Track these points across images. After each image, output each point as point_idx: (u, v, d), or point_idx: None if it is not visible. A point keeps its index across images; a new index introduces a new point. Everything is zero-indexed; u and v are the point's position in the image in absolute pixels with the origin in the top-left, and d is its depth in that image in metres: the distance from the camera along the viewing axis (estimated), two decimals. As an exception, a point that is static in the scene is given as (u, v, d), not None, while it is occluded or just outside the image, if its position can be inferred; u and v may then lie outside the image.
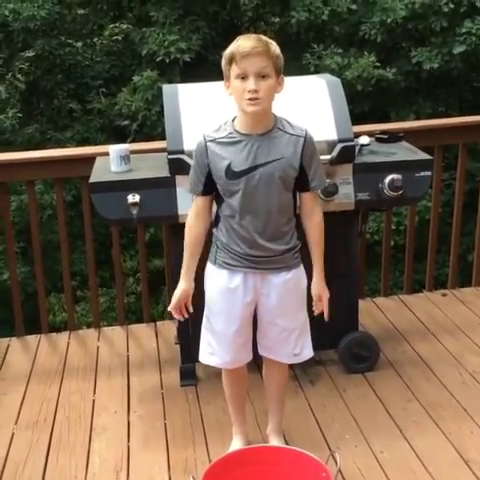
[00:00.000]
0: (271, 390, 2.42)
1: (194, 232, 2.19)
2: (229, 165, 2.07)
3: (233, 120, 2.11)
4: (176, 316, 2.24)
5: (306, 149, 2.11)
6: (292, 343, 2.25)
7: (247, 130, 2.07)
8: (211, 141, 2.10)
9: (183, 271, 2.22)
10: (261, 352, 2.32)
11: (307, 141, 2.11)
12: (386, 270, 3.75)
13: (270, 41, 2.04)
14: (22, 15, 7.41)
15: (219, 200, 2.17)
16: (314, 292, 2.25)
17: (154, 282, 5.83)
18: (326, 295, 2.25)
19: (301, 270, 2.23)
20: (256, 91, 1.98)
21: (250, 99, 1.99)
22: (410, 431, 2.58)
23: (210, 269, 2.23)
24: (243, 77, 1.99)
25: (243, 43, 1.99)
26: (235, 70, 2.00)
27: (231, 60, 2.01)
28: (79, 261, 6.73)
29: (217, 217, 2.20)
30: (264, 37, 2.04)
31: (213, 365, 2.32)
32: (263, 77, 1.99)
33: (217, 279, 2.20)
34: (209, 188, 2.14)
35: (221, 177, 2.09)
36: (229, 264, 2.17)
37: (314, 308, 2.25)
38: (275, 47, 2.04)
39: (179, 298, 2.21)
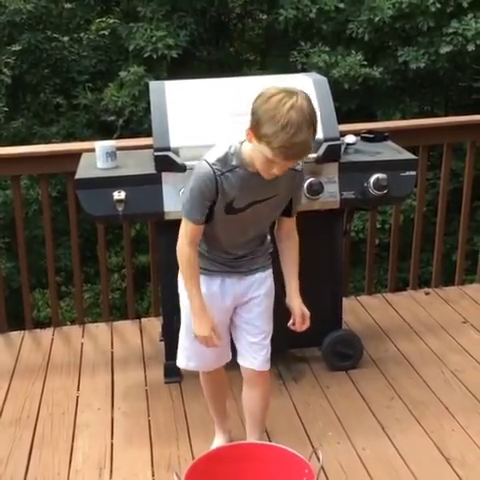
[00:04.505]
0: (253, 412, 2.32)
1: (194, 260, 2.06)
2: (231, 202, 1.98)
3: (240, 148, 1.95)
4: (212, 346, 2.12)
5: (299, 182, 2.12)
6: (267, 347, 2.23)
7: (255, 170, 1.94)
8: (220, 175, 1.95)
9: (199, 308, 2.07)
10: (239, 360, 2.26)
11: (301, 175, 2.11)
12: (370, 268, 3.77)
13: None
14: (8, 8, 7.37)
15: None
16: (297, 311, 2.18)
17: (139, 278, 5.83)
18: (308, 313, 2.21)
19: (271, 272, 2.23)
20: None
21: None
22: (392, 429, 2.60)
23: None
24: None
25: (299, 150, 1.80)
26: (272, 154, 1.81)
27: (276, 148, 1.78)
28: (64, 257, 6.71)
29: None
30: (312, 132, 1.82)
31: (191, 369, 2.32)
32: None
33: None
34: (208, 216, 2.04)
35: (220, 211, 2.01)
36: (206, 269, 2.14)
37: (295, 326, 2.20)
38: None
39: (209, 336, 2.07)
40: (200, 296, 2.07)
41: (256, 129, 1.82)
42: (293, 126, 1.76)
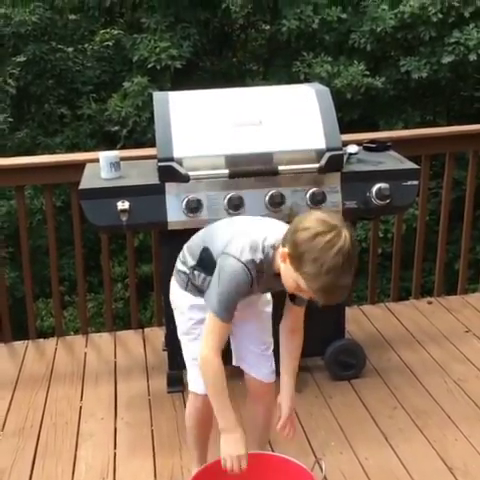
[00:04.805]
0: (258, 425, 2.28)
1: (222, 371, 1.89)
2: (252, 290, 1.94)
3: (274, 256, 1.85)
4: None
5: None
6: (271, 358, 2.21)
7: (279, 271, 1.87)
8: (256, 277, 1.88)
9: (234, 424, 1.90)
10: (246, 369, 2.22)
11: None
12: (373, 278, 3.78)
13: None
14: (13, 20, 7.44)
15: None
16: (286, 411, 2.07)
17: (142, 288, 5.86)
18: (295, 419, 2.14)
19: None
20: None
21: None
22: (395, 438, 2.60)
23: (184, 295, 2.10)
24: None
25: (338, 294, 1.74)
26: (309, 291, 1.74)
27: (314, 288, 1.72)
28: (68, 266, 6.73)
29: (198, 267, 2.05)
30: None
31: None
32: None
33: (193, 301, 2.10)
34: None
35: None
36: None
37: (282, 429, 2.10)
38: None
39: (245, 454, 1.88)
40: (231, 411, 1.90)
41: (297, 263, 1.72)
42: (337, 271, 1.68)
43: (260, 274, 1.87)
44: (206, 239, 2.05)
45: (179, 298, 2.16)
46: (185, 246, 2.17)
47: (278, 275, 1.85)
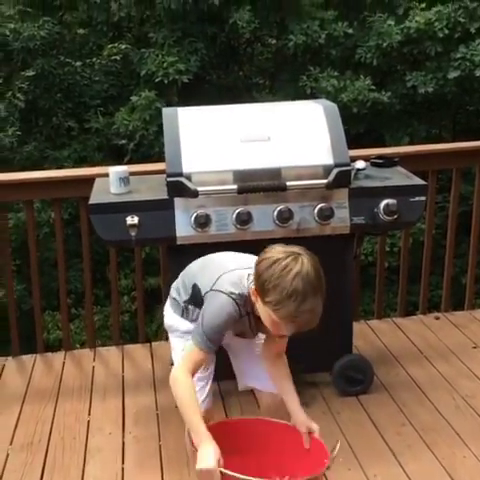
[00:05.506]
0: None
1: (194, 389, 1.89)
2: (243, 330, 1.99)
3: (251, 295, 1.83)
4: None
5: None
6: None
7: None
8: (244, 311, 1.89)
9: (206, 435, 1.79)
10: (256, 385, 2.18)
11: None
12: (380, 292, 3.77)
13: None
14: (22, 35, 7.52)
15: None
16: (309, 425, 1.98)
17: (148, 301, 5.85)
18: (317, 427, 1.99)
19: None
20: None
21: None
22: (403, 455, 2.59)
23: (181, 321, 2.11)
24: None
25: (307, 319, 1.73)
26: (280, 321, 1.74)
27: (283, 317, 1.72)
28: (74, 279, 6.74)
29: (191, 303, 2.06)
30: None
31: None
32: None
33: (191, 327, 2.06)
34: None
35: None
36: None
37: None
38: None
39: (215, 469, 1.73)
40: (203, 426, 1.82)
41: (262, 294, 1.75)
42: (299, 295, 1.69)
43: (249, 311, 1.87)
44: (197, 274, 2.06)
45: (177, 322, 2.14)
46: (181, 274, 2.16)
47: (259, 318, 1.84)
